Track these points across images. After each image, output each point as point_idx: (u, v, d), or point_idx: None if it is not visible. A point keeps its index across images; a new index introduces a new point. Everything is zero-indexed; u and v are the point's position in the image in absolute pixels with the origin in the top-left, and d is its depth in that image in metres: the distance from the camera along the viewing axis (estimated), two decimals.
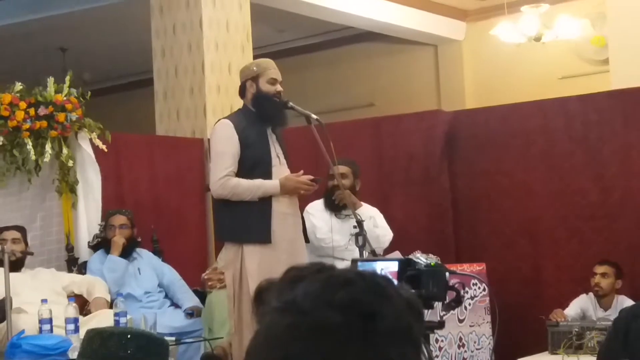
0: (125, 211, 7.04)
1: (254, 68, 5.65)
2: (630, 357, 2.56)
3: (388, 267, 3.64)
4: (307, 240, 6.09)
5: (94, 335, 3.76)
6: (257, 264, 5.39)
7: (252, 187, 5.45)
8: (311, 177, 5.56)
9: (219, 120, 5.75)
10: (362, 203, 6.67)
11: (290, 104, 5.61)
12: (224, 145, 5.52)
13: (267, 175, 5.51)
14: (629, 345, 2.52)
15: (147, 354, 3.56)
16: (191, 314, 6.81)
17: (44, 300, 5.76)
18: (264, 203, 5.48)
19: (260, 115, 5.58)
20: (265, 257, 5.40)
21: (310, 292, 1.23)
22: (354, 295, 1.22)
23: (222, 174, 5.46)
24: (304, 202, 6.25)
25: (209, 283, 6.94)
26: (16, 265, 6.28)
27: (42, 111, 6.70)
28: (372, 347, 1.21)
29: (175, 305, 6.97)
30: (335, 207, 6.59)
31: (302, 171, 5.58)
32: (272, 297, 1.27)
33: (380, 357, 1.21)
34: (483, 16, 11.65)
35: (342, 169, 6.60)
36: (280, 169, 5.58)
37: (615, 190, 6.89)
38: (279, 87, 5.58)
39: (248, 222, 5.46)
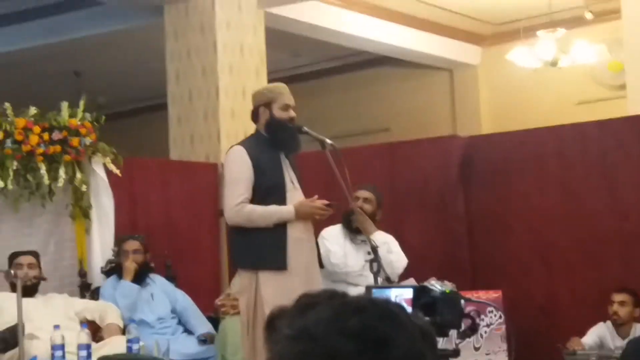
0: (138, 236, 7.00)
1: (267, 94, 5.59)
2: None
3: (402, 294, 3.60)
4: (321, 265, 6.02)
5: None
6: (272, 291, 5.33)
7: (267, 213, 5.40)
8: (326, 202, 5.52)
9: (232, 146, 5.70)
10: (376, 229, 6.63)
11: (305, 128, 5.56)
12: (238, 172, 5.47)
13: (282, 201, 5.47)
14: None
15: None
16: (204, 340, 6.75)
17: (56, 326, 5.72)
18: (279, 229, 5.42)
19: (273, 141, 5.53)
20: (280, 283, 5.34)
21: (322, 319, 1.22)
22: (366, 322, 1.21)
23: (237, 201, 5.41)
24: (318, 227, 6.20)
25: (223, 309, 6.89)
26: (30, 290, 6.25)
27: (56, 135, 6.69)
28: None
29: (188, 331, 6.91)
30: (352, 230, 6.55)
31: (316, 196, 5.53)
32: (283, 324, 1.26)
33: None
34: (499, 41, 11.63)
35: (366, 193, 6.62)
36: (295, 194, 5.53)
37: (632, 215, 6.84)
38: (292, 113, 5.52)
39: (263, 248, 5.41)
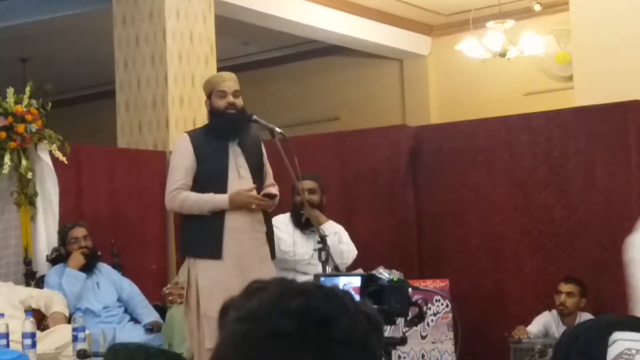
0: (82, 223, 6.95)
1: (207, 85, 5.71)
2: None
3: (351, 283, 3.60)
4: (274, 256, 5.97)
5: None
6: (208, 279, 5.38)
7: (200, 201, 5.46)
8: (263, 192, 5.53)
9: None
10: (327, 219, 6.62)
11: (254, 117, 5.58)
12: (177, 159, 5.61)
13: (222, 189, 5.49)
14: None
15: None
16: (151, 329, 6.71)
17: (0, 315, 5.66)
18: (216, 217, 5.46)
19: (214, 130, 5.59)
20: (217, 272, 5.39)
21: (266, 301, 1.24)
22: (309, 303, 1.23)
23: (173, 188, 5.53)
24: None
25: (170, 298, 6.86)
26: None
27: (1, 122, 6.60)
28: (326, 355, 1.21)
29: (135, 320, 6.87)
30: (302, 224, 6.52)
31: (253, 185, 5.54)
32: (232, 310, 1.28)
33: None
34: (448, 31, 11.68)
35: (310, 184, 6.55)
36: (240, 182, 5.53)
37: (579, 206, 6.90)
38: (230, 99, 5.53)
39: (200, 236, 5.48)
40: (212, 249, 5.42)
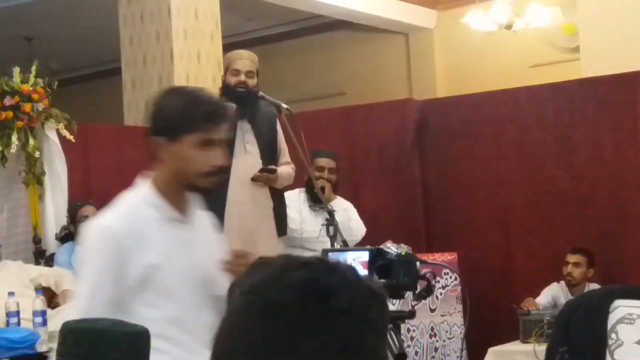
0: (91, 202, 6.97)
1: (224, 62, 5.84)
2: (569, 347, 2.53)
3: (359, 257, 3.60)
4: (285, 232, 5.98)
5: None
6: None
7: None
8: (262, 167, 5.57)
9: None
10: (336, 196, 6.61)
11: (260, 93, 5.60)
12: None
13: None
14: (569, 335, 2.49)
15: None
16: None
17: (11, 293, 5.68)
18: (219, 192, 5.48)
19: None
20: None
21: (268, 275, 1.25)
22: (311, 275, 1.23)
23: None
24: None
25: None
26: None
27: (8, 101, 6.60)
28: (327, 327, 1.21)
29: None
30: (317, 199, 6.50)
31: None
32: (237, 287, 1.29)
33: (336, 337, 1.21)
34: (454, 4, 11.63)
35: (331, 163, 6.57)
36: (245, 157, 5.56)
37: (586, 177, 6.90)
38: (242, 77, 5.58)
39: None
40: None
